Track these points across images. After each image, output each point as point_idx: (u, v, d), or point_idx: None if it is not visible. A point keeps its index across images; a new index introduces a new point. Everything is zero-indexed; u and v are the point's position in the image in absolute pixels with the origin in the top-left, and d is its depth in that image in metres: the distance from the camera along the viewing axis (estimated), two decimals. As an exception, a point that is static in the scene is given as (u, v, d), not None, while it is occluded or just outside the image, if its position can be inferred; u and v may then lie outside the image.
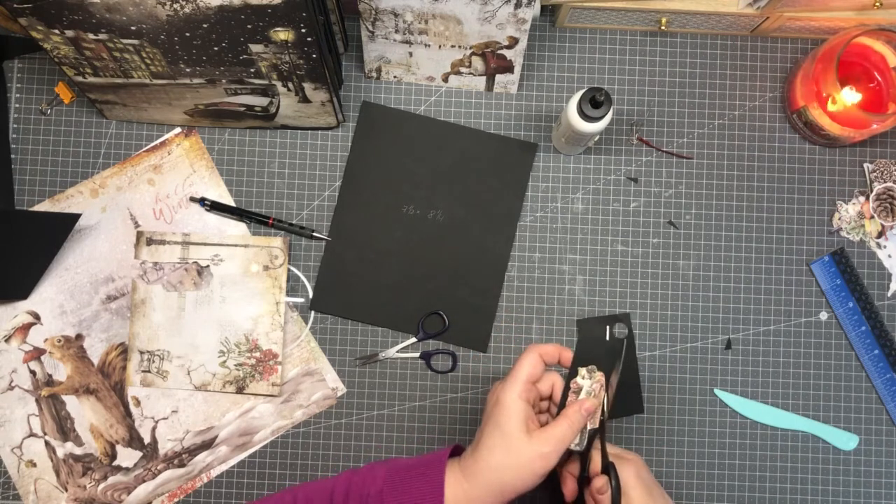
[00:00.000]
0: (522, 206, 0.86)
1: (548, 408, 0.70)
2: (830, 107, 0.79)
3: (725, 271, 0.85)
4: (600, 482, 0.65)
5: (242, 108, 0.83)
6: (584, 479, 0.68)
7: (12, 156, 0.86)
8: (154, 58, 0.75)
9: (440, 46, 0.81)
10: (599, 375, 0.68)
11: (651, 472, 0.69)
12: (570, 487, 0.68)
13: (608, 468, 0.66)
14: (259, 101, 0.81)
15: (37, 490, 0.83)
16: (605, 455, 0.66)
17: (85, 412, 0.84)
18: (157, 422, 0.84)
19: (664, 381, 0.84)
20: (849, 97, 0.79)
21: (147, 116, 0.85)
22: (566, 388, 0.67)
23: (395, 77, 0.86)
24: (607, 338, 0.68)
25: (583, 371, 0.68)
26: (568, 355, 0.68)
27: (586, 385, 0.67)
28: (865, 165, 0.86)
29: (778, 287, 0.85)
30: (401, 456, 0.84)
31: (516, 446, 0.63)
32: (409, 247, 0.85)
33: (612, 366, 0.68)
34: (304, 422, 0.84)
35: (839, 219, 0.86)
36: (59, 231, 0.83)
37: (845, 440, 0.84)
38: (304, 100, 0.81)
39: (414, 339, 0.84)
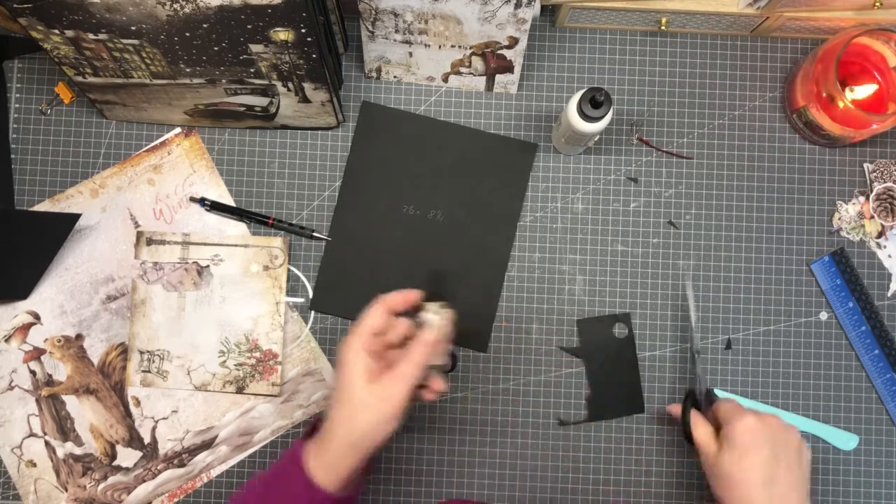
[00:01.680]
0: (522, 206, 0.86)
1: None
2: (840, 105, 0.79)
3: (725, 271, 0.85)
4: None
5: (242, 108, 0.83)
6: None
7: (12, 156, 0.86)
8: (154, 58, 0.75)
9: (440, 46, 0.81)
10: (448, 312, 0.69)
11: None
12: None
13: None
14: (259, 101, 0.81)
15: (37, 490, 0.83)
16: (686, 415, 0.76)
17: (85, 412, 0.84)
18: (157, 422, 0.84)
19: (664, 381, 0.84)
20: (861, 92, 0.79)
21: (147, 116, 0.85)
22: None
23: (395, 77, 0.86)
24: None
25: (433, 306, 0.69)
26: (415, 296, 0.69)
27: (435, 321, 0.68)
28: (865, 165, 0.86)
29: (778, 287, 0.85)
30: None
31: (358, 395, 0.64)
32: (409, 247, 0.85)
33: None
34: (304, 422, 0.84)
35: (839, 219, 0.86)
36: (59, 231, 0.83)
37: (845, 440, 0.84)
38: (304, 100, 0.80)
39: (414, 339, 0.84)
